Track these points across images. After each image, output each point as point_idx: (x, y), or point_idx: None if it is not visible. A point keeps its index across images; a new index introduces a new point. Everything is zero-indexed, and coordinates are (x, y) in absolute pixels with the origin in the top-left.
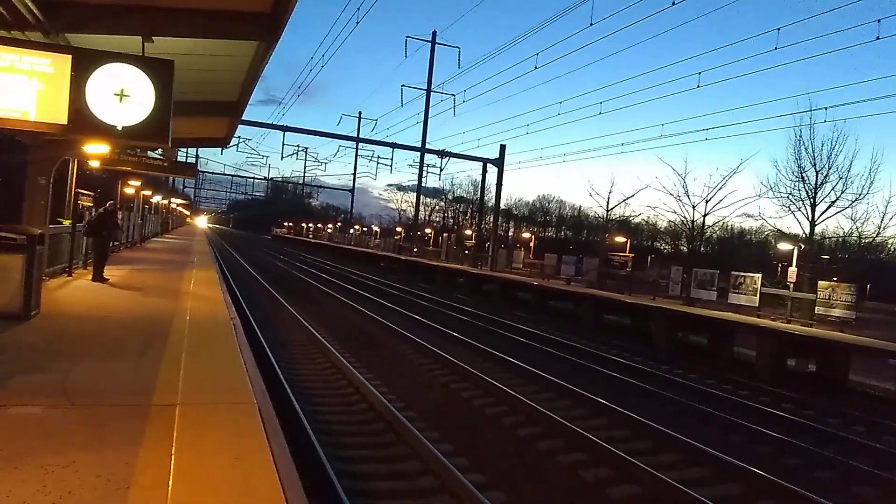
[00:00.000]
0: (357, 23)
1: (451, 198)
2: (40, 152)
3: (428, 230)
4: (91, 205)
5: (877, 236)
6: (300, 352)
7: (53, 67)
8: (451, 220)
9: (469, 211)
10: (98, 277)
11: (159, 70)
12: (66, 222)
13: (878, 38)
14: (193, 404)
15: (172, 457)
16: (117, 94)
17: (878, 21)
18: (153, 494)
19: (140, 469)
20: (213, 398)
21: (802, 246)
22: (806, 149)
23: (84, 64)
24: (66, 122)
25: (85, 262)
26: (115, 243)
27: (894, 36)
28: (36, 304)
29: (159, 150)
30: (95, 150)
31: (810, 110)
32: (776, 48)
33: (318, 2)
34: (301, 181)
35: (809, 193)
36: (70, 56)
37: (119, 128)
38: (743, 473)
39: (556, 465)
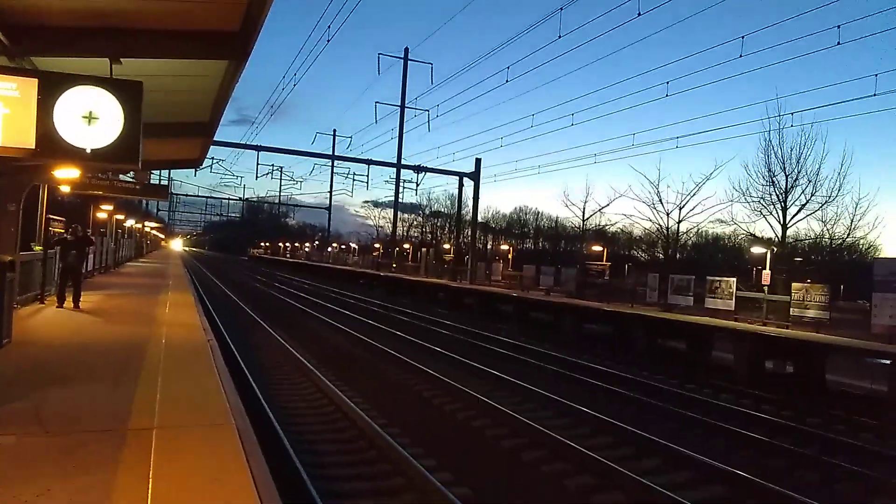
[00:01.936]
0: (328, 41)
1: (428, 212)
2: (9, 179)
3: (406, 245)
4: (62, 231)
5: (847, 237)
6: (280, 372)
7: (20, 91)
8: (430, 235)
9: (447, 225)
10: (70, 303)
11: (128, 92)
12: (38, 248)
13: (838, 44)
14: (170, 427)
15: (150, 480)
16: (85, 117)
17: (838, 27)
18: None
19: (117, 494)
20: (191, 421)
21: (775, 249)
22: (775, 153)
23: (51, 87)
24: (33, 147)
25: (60, 288)
26: (87, 270)
27: (854, 41)
28: (7, 333)
29: (131, 172)
30: (65, 175)
31: (778, 115)
32: (741, 56)
33: (287, 20)
34: (277, 201)
35: (780, 197)
36: (37, 80)
37: (88, 151)
38: (726, 475)
39: (542, 475)
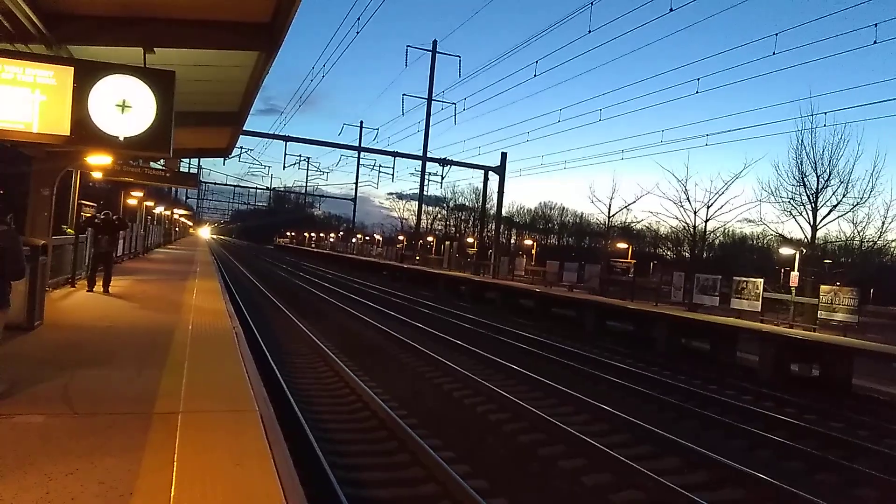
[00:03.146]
0: (357, 32)
1: (452, 206)
2: (43, 164)
3: (430, 238)
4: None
5: (878, 240)
6: (303, 360)
7: (56, 79)
8: (453, 228)
9: (471, 219)
10: (100, 287)
11: (160, 81)
12: (70, 232)
13: (875, 42)
14: (195, 412)
15: (175, 464)
16: (119, 106)
17: (876, 25)
18: (155, 501)
19: (142, 476)
20: (215, 406)
21: (804, 250)
22: (807, 153)
23: (86, 76)
24: (68, 134)
25: (91, 272)
26: (117, 256)
27: (892, 40)
28: (39, 315)
29: (161, 160)
30: (98, 162)
31: (811, 115)
32: (775, 53)
33: (318, 12)
34: (303, 191)
35: (811, 198)
36: (72, 68)
37: (121, 139)
38: (745, 477)
39: (558, 471)
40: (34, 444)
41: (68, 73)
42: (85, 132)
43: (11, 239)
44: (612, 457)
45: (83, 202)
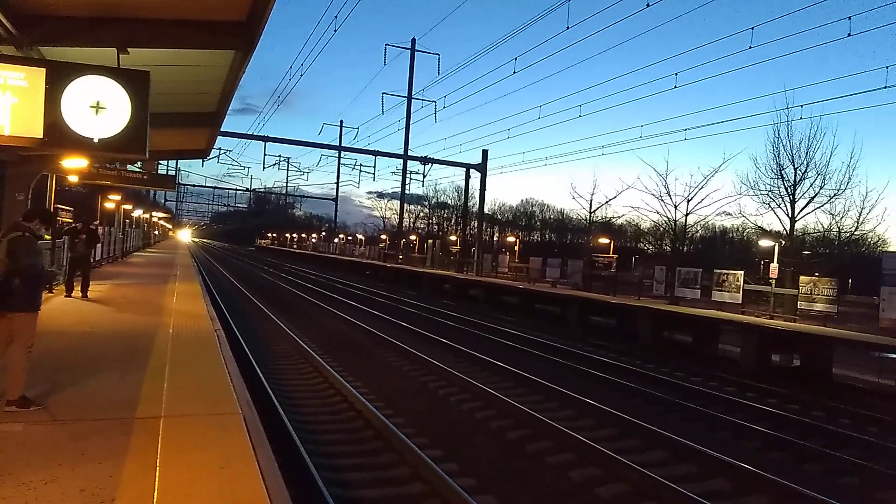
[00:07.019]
0: (335, 30)
1: (434, 204)
2: (17, 168)
3: (413, 237)
4: (71, 221)
5: (855, 230)
6: (286, 361)
7: (27, 81)
8: (436, 227)
9: (453, 217)
10: (78, 292)
11: (135, 81)
12: (46, 237)
13: (849, 35)
14: (178, 416)
15: (157, 469)
16: (93, 107)
17: (849, 18)
18: None
19: (125, 482)
20: (198, 409)
21: (783, 242)
22: (784, 146)
23: (58, 77)
24: (41, 136)
25: (69, 277)
26: (95, 260)
27: (864, 33)
28: None
29: (139, 163)
30: (73, 165)
31: (787, 108)
32: (751, 47)
33: (294, 10)
34: (283, 191)
35: (789, 190)
36: (44, 69)
37: (96, 140)
38: (730, 468)
39: (545, 466)
40: (13, 454)
41: (40, 74)
42: (58, 134)
43: (18, 242)
44: (599, 451)
45: (59, 206)
